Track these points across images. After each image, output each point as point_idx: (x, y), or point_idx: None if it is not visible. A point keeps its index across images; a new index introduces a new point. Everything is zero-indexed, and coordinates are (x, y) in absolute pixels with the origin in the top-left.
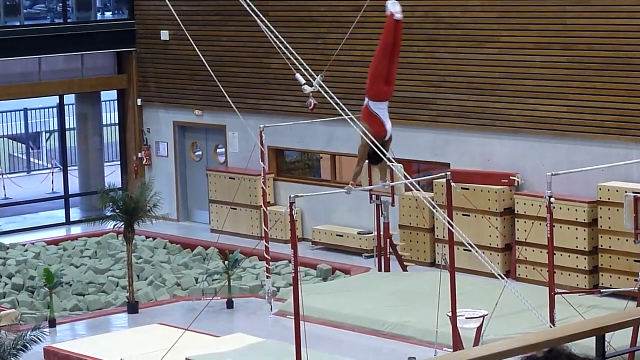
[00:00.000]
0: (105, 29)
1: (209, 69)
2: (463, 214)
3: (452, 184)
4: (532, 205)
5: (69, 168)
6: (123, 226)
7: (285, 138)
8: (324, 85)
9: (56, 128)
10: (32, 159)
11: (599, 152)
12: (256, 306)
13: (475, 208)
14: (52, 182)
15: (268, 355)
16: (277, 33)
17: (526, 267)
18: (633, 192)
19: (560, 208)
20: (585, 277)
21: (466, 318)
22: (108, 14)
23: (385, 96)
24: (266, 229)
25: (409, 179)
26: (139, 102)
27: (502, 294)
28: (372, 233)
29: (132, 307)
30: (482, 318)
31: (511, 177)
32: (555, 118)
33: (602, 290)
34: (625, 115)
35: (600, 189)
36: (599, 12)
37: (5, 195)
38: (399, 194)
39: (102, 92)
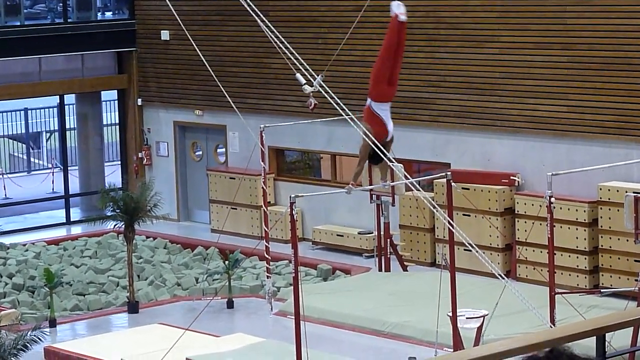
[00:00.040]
0: (105, 29)
1: (210, 69)
2: (463, 214)
3: (453, 184)
4: (533, 205)
5: (69, 168)
6: (123, 226)
7: (285, 138)
8: (324, 85)
9: (56, 128)
10: (32, 159)
11: (599, 152)
12: (256, 306)
13: (475, 208)
14: (53, 182)
15: (268, 355)
16: (277, 33)
17: (526, 267)
18: (633, 192)
19: (561, 208)
20: (585, 277)
21: (466, 318)
22: (108, 14)
23: (388, 97)
24: (266, 229)
25: (409, 179)
26: (139, 102)
27: (503, 294)
28: (372, 233)
29: (133, 307)
30: (482, 318)
31: (511, 177)
32: (556, 118)
33: (602, 290)
34: (625, 115)
35: (600, 189)
36: (599, 12)
37: (5, 195)
38: (399, 194)
39: (102, 92)
